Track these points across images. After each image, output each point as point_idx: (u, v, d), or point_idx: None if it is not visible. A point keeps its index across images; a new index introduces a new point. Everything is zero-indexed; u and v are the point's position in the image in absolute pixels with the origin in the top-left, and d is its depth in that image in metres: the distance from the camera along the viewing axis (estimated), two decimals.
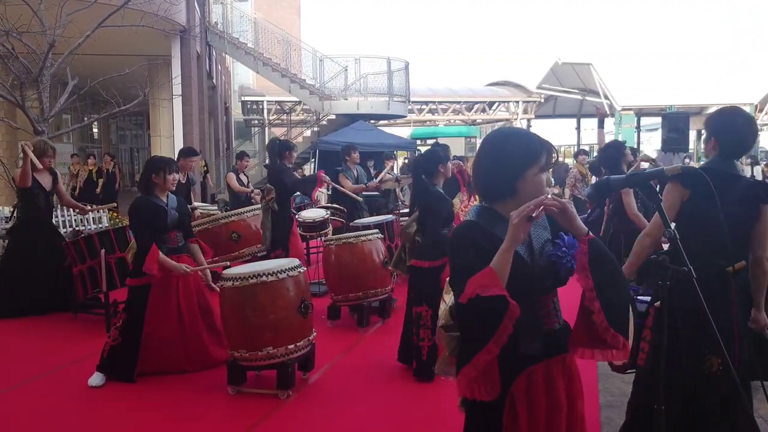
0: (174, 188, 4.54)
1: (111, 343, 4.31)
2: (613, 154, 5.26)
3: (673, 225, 2.16)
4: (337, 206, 7.82)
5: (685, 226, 2.65)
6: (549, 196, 1.76)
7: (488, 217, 1.91)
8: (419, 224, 4.28)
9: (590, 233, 1.83)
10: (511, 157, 1.87)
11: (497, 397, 1.77)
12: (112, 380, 4.28)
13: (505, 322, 1.65)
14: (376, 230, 5.83)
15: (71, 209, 6.56)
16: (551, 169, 2.58)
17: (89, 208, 7.02)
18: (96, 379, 4.25)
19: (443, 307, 2.22)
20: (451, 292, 2.21)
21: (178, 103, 13.61)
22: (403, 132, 27.48)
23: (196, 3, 14.39)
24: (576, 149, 20.17)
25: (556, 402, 1.86)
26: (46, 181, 6.12)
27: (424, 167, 4.39)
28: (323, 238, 6.46)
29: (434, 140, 28.44)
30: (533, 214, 1.70)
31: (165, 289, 4.37)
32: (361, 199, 7.64)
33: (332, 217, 7.51)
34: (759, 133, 2.61)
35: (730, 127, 2.76)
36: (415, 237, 4.30)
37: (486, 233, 1.84)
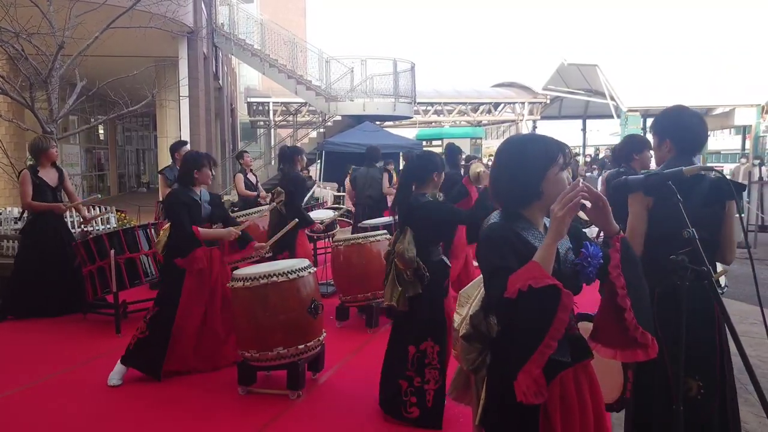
0: (211, 183, 4.65)
1: (138, 336, 4.32)
2: (625, 148, 4.57)
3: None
4: (345, 207, 7.84)
5: (656, 236, 2.50)
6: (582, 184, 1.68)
7: (516, 222, 1.86)
8: (419, 244, 3.50)
9: (621, 231, 1.82)
10: (531, 160, 1.86)
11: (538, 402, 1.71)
12: (133, 375, 4.30)
13: (561, 314, 1.59)
14: (385, 231, 5.84)
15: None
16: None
17: (90, 217, 6.99)
18: (115, 377, 4.26)
19: (458, 319, 2.18)
20: (466, 305, 2.18)
21: (185, 105, 13.65)
22: (409, 133, 27.50)
23: (203, 4, 14.43)
24: (582, 150, 20.06)
25: (585, 407, 1.86)
26: (51, 177, 6.09)
27: (416, 174, 3.63)
28: (331, 239, 6.46)
29: (442, 141, 28.44)
30: (573, 202, 1.64)
31: (198, 285, 4.41)
32: None
33: (340, 218, 7.52)
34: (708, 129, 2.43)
35: (682, 125, 2.62)
36: (417, 260, 3.49)
37: (519, 237, 1.81)
